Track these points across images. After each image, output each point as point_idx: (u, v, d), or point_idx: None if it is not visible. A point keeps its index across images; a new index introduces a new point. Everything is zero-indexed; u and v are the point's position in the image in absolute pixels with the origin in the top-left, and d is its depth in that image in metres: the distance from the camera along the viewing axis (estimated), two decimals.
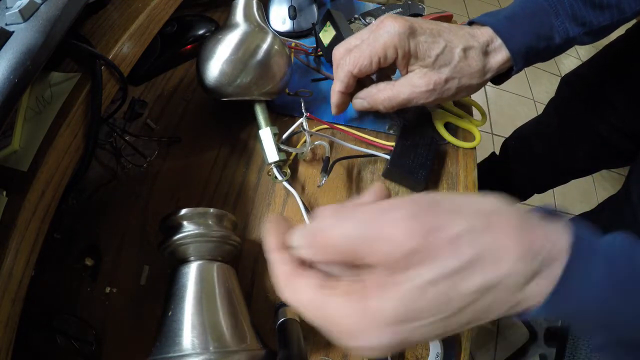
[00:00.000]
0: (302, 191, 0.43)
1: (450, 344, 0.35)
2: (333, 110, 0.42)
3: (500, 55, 0.38)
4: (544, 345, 1.04)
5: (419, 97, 0.38)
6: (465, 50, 0.37)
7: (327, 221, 0.21)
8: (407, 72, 0.39)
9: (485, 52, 0.38)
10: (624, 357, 0.22)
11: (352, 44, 0.39)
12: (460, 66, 0.37)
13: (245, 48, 0.40)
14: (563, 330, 0.79)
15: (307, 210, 0.40)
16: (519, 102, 1.85)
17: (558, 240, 0.19)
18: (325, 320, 0.20)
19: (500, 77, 0.41)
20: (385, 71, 0.43)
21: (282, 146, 0.41)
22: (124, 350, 0.35)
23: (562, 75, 0.75)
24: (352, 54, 0.38)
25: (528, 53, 0.38)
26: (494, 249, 0.18)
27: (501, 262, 0.18)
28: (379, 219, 0.19)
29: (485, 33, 0.38)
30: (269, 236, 0.23)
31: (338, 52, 0.40)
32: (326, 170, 0.40)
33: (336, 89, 0.40)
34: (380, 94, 0.39)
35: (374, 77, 0.43)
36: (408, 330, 0.19)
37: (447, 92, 0.38)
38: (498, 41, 0.38)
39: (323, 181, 0.40)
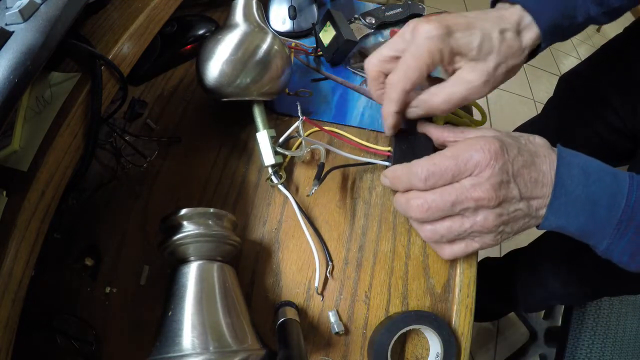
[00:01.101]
0: (298, 193, 0.43)
1: (450, 343, 0.35)
2: (388, 131, 0.40)
3: (531, 33, 0.38)
4: (544, 345, 1.04)
5: (475, 92, 0.37)
6: (501, 32, 0.36)
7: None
8: (452, 71, 0.38)
9: (518, 32, 0.37)
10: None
11: (386, 55, 0.38)
12: (503, 49, 0.36)
13: (245, 48, 0.40)
14: (563, 330, 0.79)
15: (303, 212, 0.40)
16: (519, 102, 1.85)
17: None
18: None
19: (528, 55, 0.40)
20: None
21: (278, 149, 0.41)
22: (124, 350, 0.35)
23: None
24: (398, 71, 0.36)
25: (554, 31, 0.38)
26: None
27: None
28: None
29: (514, 13, 0.37)
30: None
31: (371, 64, 0.39)
32: (319, 178, 0.39)
33: (392, 110, 0.38)
34: (435, 99, 0.37)
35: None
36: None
37: (498, 78, 0.37)
38: (528, 19, 0.37)
39: (313, 190, 0.38)
